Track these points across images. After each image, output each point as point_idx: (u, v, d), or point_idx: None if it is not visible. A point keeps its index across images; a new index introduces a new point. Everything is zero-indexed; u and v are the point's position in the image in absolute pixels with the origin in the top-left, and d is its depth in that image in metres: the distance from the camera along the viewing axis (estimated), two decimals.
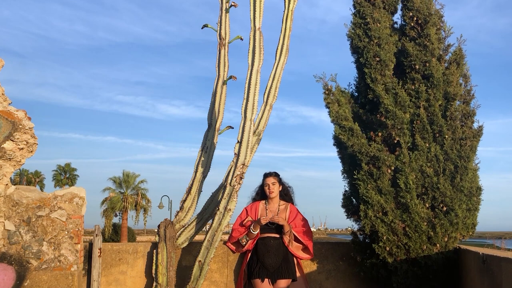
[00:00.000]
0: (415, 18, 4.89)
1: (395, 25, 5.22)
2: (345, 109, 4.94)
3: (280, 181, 4.77)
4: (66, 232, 4.19)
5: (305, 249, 4.66)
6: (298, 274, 4.60)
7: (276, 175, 4.76)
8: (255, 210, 4.67)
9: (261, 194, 4.76)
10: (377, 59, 4.82)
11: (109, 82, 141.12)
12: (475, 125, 4.68)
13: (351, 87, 5.28)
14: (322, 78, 5.06)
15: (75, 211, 4.24)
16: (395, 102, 4.69)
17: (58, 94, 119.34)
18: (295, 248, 4.58)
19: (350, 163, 4.87)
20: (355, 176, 4.67)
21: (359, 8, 5.03)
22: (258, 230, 4.51)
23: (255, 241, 4.56)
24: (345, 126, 4.81)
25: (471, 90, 4.79)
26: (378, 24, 4.90)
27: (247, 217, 4.65)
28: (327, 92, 5.01)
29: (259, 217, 4.54)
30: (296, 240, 4.57)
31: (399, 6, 5.17)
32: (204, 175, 4.88)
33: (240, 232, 4.64)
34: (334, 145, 5.10)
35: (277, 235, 4.54)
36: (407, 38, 4.92)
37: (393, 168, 4.59)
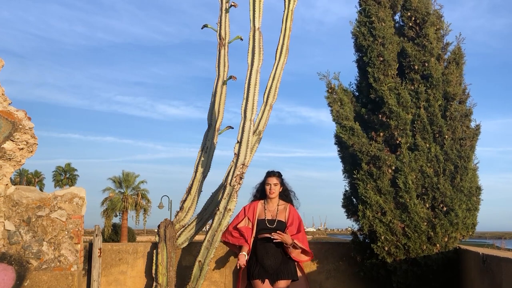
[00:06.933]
0: (413, 18, 4.88)
1: (396, 25, 5.20)
2: (347, 108, 4.92)
3: (282, 183, 4.74)
4: (66, 232, 4.19)
5: (304, 251, 4.65)
6: (299, 273, 4.60)
7: (279, 175, 4.72)
8: (253, 210, 4.65)
9: (261, 192, 4.74)
10: (381, 58, 4.79)
11: (108, 82, 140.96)
12: (472, 125, 4.69)
13: (352, 86, 5.26)
14: (326, 76, 5.05)
15: (75, 211, 4.24)
16: (398, 103, 4.68)
17: (57, 94, 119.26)
18: (296, 254, 4.59)
19: (351, 162, 4.85)
20: (354, 176, 4.66)
21: (365, 6, 4.99)
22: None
23: (254, 242, 4.56)
24: (345, 126, 4.79)
25: (466, 89, 4.80)
26: (383, 24, 4.86)
27: (244, 217, 4.63)
28: (330, 90, 4.99)
29: (244, 260, 4.41)
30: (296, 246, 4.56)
31: (399, 7, 5.15)
32: (204, 175, 4.88)
33: (234, 236, 4.60)
34: (335, 144, 5.08)
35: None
36: (406, 38, 4.91)
37: (393, 168, 4.58)
